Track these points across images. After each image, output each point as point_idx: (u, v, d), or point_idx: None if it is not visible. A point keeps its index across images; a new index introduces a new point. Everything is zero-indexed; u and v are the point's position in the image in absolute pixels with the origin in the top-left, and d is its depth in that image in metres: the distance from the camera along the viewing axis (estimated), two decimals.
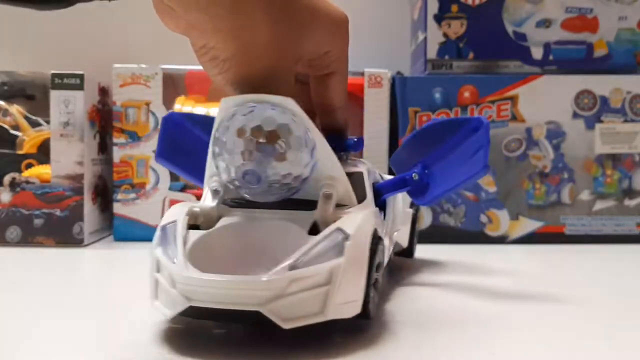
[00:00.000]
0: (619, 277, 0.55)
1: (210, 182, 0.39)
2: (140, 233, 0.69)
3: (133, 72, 0.70)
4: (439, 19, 0.70)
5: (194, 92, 0.73)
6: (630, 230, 0.69)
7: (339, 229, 0.34)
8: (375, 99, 0.70)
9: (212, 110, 0.70)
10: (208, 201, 0.38)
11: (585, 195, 0.69)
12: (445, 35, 0.70)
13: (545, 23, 0.70)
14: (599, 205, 0.69)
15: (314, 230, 0.36)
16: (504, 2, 0.70)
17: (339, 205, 0.38)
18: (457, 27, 0.70)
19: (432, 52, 0.70)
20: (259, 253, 0.35)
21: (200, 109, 0.71)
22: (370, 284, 0.35)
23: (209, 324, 0.37)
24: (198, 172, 0.48)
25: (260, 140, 0.35)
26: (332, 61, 0.45)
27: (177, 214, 0.37)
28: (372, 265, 0.35)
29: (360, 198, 0.40)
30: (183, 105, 0.71)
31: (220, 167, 0.37)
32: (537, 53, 0.70)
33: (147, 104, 0.70)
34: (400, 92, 0.70)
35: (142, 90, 0.70)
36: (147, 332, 0.37)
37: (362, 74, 0.71)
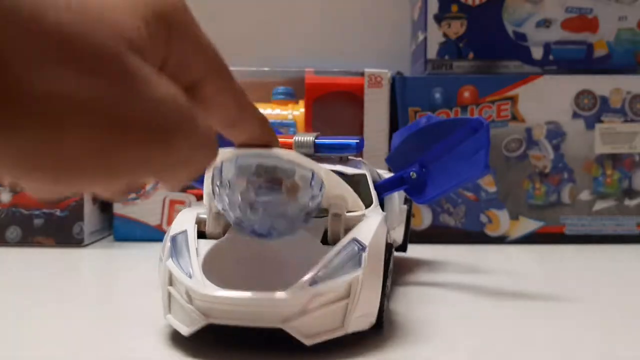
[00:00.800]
0: (619, 277, 0.55)
1: (212, 202, 0.37)
2: (140, 233, 0.69)
3: None
4: (439, 19, 0.70)
5: None
6: (630, 230, 0.69)
7: (355, 240, 0.34)
8: (375, 99, 0.70)
9: None
10: (215, 208, 0.37)
11: (585, 195, 0.69)
12: (445, 35, 0.70)
13: (545, 23, 0.70)
14: (599, 205, 0.69)
15: (325, 237, 0.36)
16: (504, 2, 0.70)
17: (348, 211, 0.37)
18: (457, 27, 0.70)
19: (432, 52, 0.70)
20: (273, 263, 0.35)
21: None
22: (384, 293, 0.35)
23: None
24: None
25: (269, 183, 0.33)
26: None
27: (186, 222, 0.37)
28: (386, 275, 0.35)
29: (367, 202, 0.40)
30: None
31: (224, 207, 0.34)
32: (537, 53, 0.70)
33: None
34: (400, 92, 0.70)
35: None
36: (148, 331, 0.37)
37: (362, 74, 0.71)
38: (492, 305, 0.43)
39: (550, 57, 0.70)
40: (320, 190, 0.34)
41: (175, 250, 0.35)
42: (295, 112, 0.71)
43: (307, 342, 0.31)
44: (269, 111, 0.71)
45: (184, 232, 0.36)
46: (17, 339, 0.36)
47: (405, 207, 0.55)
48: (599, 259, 0.63)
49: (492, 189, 0.69)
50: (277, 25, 0.85)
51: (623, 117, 0.69)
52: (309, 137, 0.44)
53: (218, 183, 0.34)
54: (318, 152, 0.45)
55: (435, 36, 0.70)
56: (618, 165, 0.69)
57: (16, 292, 0.48)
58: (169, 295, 0.34)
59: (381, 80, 0.70)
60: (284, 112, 0.71)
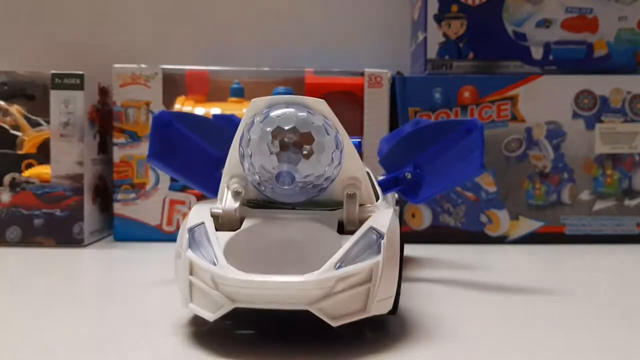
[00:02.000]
0: (619, 277, 0.55)
1: (231, 183, 0.38)
2: (140, 233, 0.69)
3: (133, 72, 0.70)
4: (439, 19, 0.70)
5: (194, 92, 0.73)
6: (630, 230, 0.69)
7: (373, 229, 0.35)
8: (375, 99, 0.70)
9: (212, 110, 0.71)
10: (230, 203, 0.38)
11: (585, 195, 0.69)
12: (445, 35, 0.70)
13: (545, 23, 0.70)
14: (599, 205, 0.69)
15: (340, 229, 0.37)
16: (504, 2, 0.70)
17: (360, 205, 0.38)
18: (457, 27, 0.70)
19: (432, 52, 0.70)
20: (292, 251, 0.35)
21: (200, 109, 0.71)
22: (400, 280, 0.37)
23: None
24: (189, 173, 0.48)
25: (295, 142, 0.35)
26: None
27: (202, 216, 0.37)
28: (402, 262, 0.37)
29: (376, 196, 0.41)
30: (183, 105, 0.71)
31: (249, 168, 0.36)
32: (537, 53, 0.70)
33: (147, 104, 0.70)
34: (400, 92, 0.70)
35: (142, 90, 0.70)
36: (148, 331, 0.37)
37: (362, 74, 0.71)
38: (491, 305, 0.43)
39: (550, 57, 0.70)
40: (342, 157, 0.36)
41: (195, 242, 0.35)
42: None
43: (333, 323, 0.32)
44: None
45: (201, 224, 0.36)
46: (17, 339, 0.36)
47: (397, 208, 0.56)
48: (599, 259, 0.63)
49: (492, 189, 0.69)
50: (277, 25, 0.85)
51: (623, 117, 0.69)
52: None
53: (247, 150, 0.36)
54: None
55: (435, 36, 0.70)
56: (618, 165, 0.69)
57: (16, 292, 0.48)
58: (190, 284, 0.34)
59: (381, 80, 0.70)
60: None
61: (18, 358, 0.33)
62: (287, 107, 0.36)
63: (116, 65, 0.70)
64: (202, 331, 0.37)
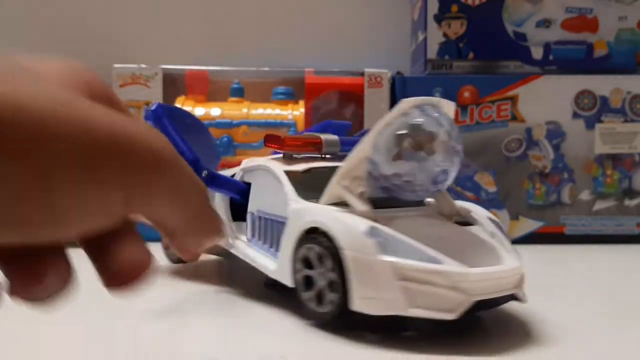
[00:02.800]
0: (619, 277, 0.55)
1: (354, 185, 0.38)
2: (140, 232, 0.69)
3: (133, 72, 0.70)
4: (439, 19, 0.70)
5: (194, 92, 0.73)
6: (630, 230, 0.69)
7: (490, 219, 0.41)
8: (375, 99, 0.70)
9: (212, 110, 0.71)
10: (362, 205, 0.37)
11: (585, 195, 0.69)
12: (445, 35, 0.70)
13: (545, 23, 0.70)
14: (599, 205, 0.69)
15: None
16: (504, 2, 0.70)
17: None
18: (457, 27, 0.70)
19: (432, 52, 0.70)
20: (441, 245, 0.36)
21: (200, 109, 0.71)
22: None
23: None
24: None
25: (445, 145, 0.36)
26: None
27: (358, 220, 0.36)
28: None
29: None
30: (183, 105, 0.71)
31: (384, 165, 0.36)
32: (537, 53, 0.70)
33: (147, 104, 0.70)
34: (400, 92, 0.70)
35: (142, 90, 0.70)
36: (148, 330, 0.37)
37: (362, 74, 0.71)
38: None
39: (550, 57, 0.70)
40: (457, 158, 0.37)
41: (388, 245, 0.34)
42: (295, 112, 0.71)
43: (526, 301, 0.37)
44: (269, 111, 0.71)
45: (374, 227, 0.35)
46: (16, 340, 0.36)
47: None
48: (599, 259, 0.63)
49: (492, 189, 0.69)
50: (277, 25, 0.85)
51: (623, 117, 0.69)
52: (334, 137, 0.46)
53: (392, 144, 0.36)
54: (342, 151, 0.46)
55: (435, 36, 0.70)
56: (618, 165, 0.69)
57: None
58: (404, 290, 0.34)
59: (381, 80, 0.70)
60: (284, 112, 0.71)
61: (18, 358, 0.33)
62: (432, 109, 0.37)
63: (116, 65, 0.70)
64: (206, 325, 0.37)
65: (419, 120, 0.36)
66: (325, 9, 0.85)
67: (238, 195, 0.46)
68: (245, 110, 0.71)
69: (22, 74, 0.19)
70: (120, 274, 0.23)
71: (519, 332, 0.38)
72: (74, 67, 0.23)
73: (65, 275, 0.22)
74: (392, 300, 0.34)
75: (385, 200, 0.39)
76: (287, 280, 0.39)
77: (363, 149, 0.37)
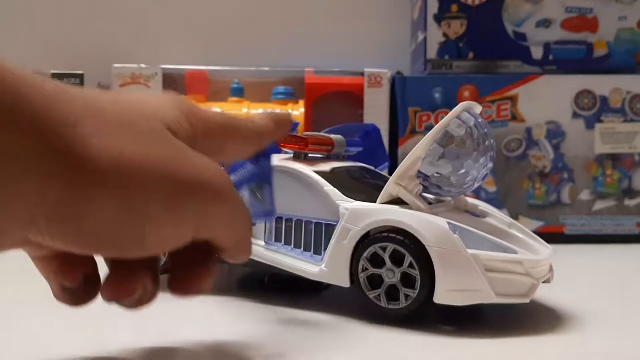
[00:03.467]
0: (619, 277, 0.55)
1: (414, 185, 0.39)
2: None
3: (133, 72, 0.70)
4: (439, 19, 0.70)
5: (194, 92, 0.73)
6: (630, 230, 0.69)
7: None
8: (375, 99, 0.70)
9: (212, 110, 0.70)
10: (419, 204, 0.39)
11: (585, 195, 0.69)
12: (445, 35, 0.70)
13: (545, 23, 0.70)
14: (599, 205, 0.69)
15: None
16: (504, 2, 0.70)
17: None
18: (457, 27, 0.70)
19: (432, 52, 0.70)
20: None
21: None
22: None
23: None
24: None
25: (481, 143, 0.39)
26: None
27: (437, 217, 0.38)
28: None
29: None
30: None
31: (427, 165, 0.38)
32: (537, 53, 0.70)
33: None
34: (400, 92, 0.70)
35: (142, 90, 0.70)
36: (148, 331, 0.37)
37: (362, 74, 0.71)
38: (490, 305, 0.43)
39: (550, 57, 0.70)
40: (491, 159, 0.40)
41: (466, 240, 0.37)
42: (295, 112, 0.71)
43: (551, 280, 0.41)
44: (269, 111, 0.71)
45: (451, 224, 0.37)
46: (16, 339, 0.36)
47: None
48: (599, 259, 0.63)
49: (492, 188, 0.69)
50: (277, 25, 0.85)
51: (623, 117, 0.69)
52: (342, 137, 0.47)
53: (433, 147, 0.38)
54: (346, 151, 0.47)
55: (435, 36, 0.70)
56: (618, 165, 0.69)
57: (16, 292, 0.48)
58: (490, 280, 0.36)
59: (381, 80, 0.70)
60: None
61: (18, 358, 0.33)
62: (475, 112, 0.39)
63: (116, 65, 0.70)
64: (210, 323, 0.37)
65: (466, 122, 0.38)
66: (325, 9, 0.85)
67: None
68: (245, 110, 0.71)
69: (126, 127, 0.25)
70: (185, 284, 0.29)
71: (518, 332, 0.38)
72: (173, 100, 0.30)
73: (151, 293, 0.29)
74: (480, 290, 0.36)
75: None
76: (340, 281, 0.40)
77: (418, 149, 0.38)
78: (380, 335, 0.37)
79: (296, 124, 0.49)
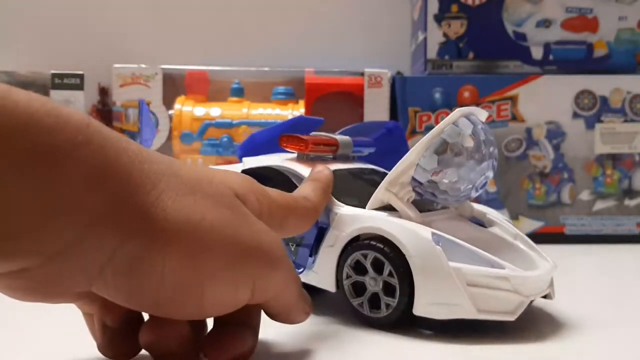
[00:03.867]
0: (619, 277, 0.55)
1: (405, 192, 0.38)
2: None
3: (133, 72, 0.70)
4: (439, 19, 0.70)
5: (194, 92, 0.73)
6: (630, 230, 0.69)
7: (508, 220, 0.43)
8: (375, 99, 0.70)
9: (212, 110, 0.70)
10: (414, 211, 0.38)
11: (585, 195, 0.69)
12: (445, 35, 0.70)
13: (545, 23, 0.70)
14: (599, 205, 0.69)
15: None
16: (504, 2, 0.70)
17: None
18: (457, 27, 0.70)
19: (432, 52, 0.70)
20: (482, 248, 0.37)
21: (200, 109, 0.71)
22: None
23: None
24: None
25: (481, 149, 0.38)
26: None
27: (421, 227, 0.37)
28: None
29: None
30: (183, 105, 0.71)
31: (423, 172, 0.37)
32: (537, 53, 0.70)
33: (147, 104, 0.70)
34: (400, 92, 0.70)
35: (142, 90, 0.70)
36: None
37: (362, 74, 0.71)
38: None
39: (550, 57, 0.70)
40: (492, 167, 0.39)
41: (449, 252, 0.35)
42: (295, 112, 0.71)
43: (553, 297, 0.40)
44: (269, 111, 0.71)
45: (434, 233, 0.36)
46: (16, 340, 0.36)
47: None
48: (599, 259, 0.63)
49: (493, 188, 0.69)
50: (277, 25, 0.85)
51: (623, 117, 0.69)
52: (348, 138, 0.46)
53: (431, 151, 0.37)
54: (355, 152, 0.46)
55: (435, 36, 0.70)
56: (618, 165, 0.69)
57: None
58: (471, 295, 0.35)
59: (381, 80, 0.70)
60: (284, 112, 0.71)
61: (17, 358, 0.33)
62: (476, 118, 0.39)
63: (116, 65, 0.70)
64: None
65: (462, 128, 0.37)
66: (325, 9, 0.85)
67: None
68: (245, 110, 0.71)
69: (198, 190, 0.28)
70: (221, 354, 0.29)
71: (518, 332, 0.38)
72: (242, 175, 0.32)
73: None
74: (460, 305, 0.35)
75: (415, 204, 0.39)
76: (327, 285, 0.39)
77: (412, 155, 0.37)
78: (376, 338, 0.37)
79: (320, 121, 0.48)
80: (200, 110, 0.70)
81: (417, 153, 0.37)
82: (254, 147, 0.48)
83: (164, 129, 0.70)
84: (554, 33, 0.70)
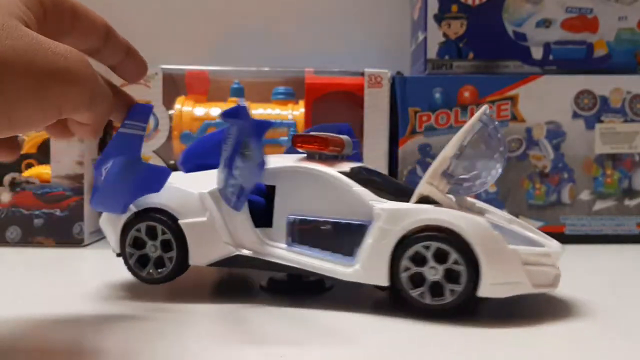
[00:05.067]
0: (619, 277, 0.55)
1: (443, 184, 0.41)
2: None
3: None
4: (439, 19, 0.70)
5: (194, 92, 0.73)
6: (630, 230, 0.69)
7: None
8: (375, 99, 0.70)
9: (212, 110, 0.70)
10: (449, 202, 0.41)
11: (585, 195, 0.69)
12: (445, 35, 0.70)
13: (545, 23, 0.70)
14: (599, 205, 0.69)
15: None
16: (504, 2, 0.70)
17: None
18: (457, 27, 0.70)
19: (432, 52, 0.70)
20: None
21: (200, 109, 0.71)
22: None
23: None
24: None
25: (499, 144, 0.41)
26: None
27: (478, 217, 0.40)
28: None
29: None
30: (183, 105, 0.71)
31: (454, 165, 0.40)
32: (537, 53, 0.70)
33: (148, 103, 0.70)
34: (400, 92, 0.70)
35: (142, 90, 0.70)
36: (148, 330, 0.37)
37: (362, 74, 0.71)
38: (490, 305, 0.43)
39: (550, 57, 0.70)
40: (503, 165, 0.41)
41: (504, 236, 0.39)
42: (295, 112, 0.71)
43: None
44: (269, 111, 0.71)
45: (487, 221, 0.40)
46: (16, 339, 0.36)
47: None
48: (599, 259, 0.63)
49: (492, 188, 0.69)
50: (277, 25, 0.85)
51: (623, 117, 0.69)
52: (349, 138, 0.47)
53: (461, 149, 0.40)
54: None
55: (435, 36, 0.70)
56: (618, 165, 0.69)
57: (16, 292, 0.48)
58: (527, 273, 0.39)
59: (381, 80, 0.70)
60: (284, 112, 0.71)
61: (17, 358, 0.33)
62: (489, 118, 0.41)
63: None
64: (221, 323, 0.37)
65: (486, 124, 0.40)
66: (325, 9, 0.86)
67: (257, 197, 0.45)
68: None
69: None
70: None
71: (518, 333, 0.38)
72: None
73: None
74: (521, 282, 0.39)
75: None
76: (378, 280, 0.40)
77: (447, 149, 0.40)
78: (381, 336, 0.37)
79: (292, 124, 0.49)
80: (200, 110, 0.71)
81: (452, 147, 0.39)
82: (195, 156, 0.48)
83: (164, 129, 0.70)
84: (554, 33, 0.70)
